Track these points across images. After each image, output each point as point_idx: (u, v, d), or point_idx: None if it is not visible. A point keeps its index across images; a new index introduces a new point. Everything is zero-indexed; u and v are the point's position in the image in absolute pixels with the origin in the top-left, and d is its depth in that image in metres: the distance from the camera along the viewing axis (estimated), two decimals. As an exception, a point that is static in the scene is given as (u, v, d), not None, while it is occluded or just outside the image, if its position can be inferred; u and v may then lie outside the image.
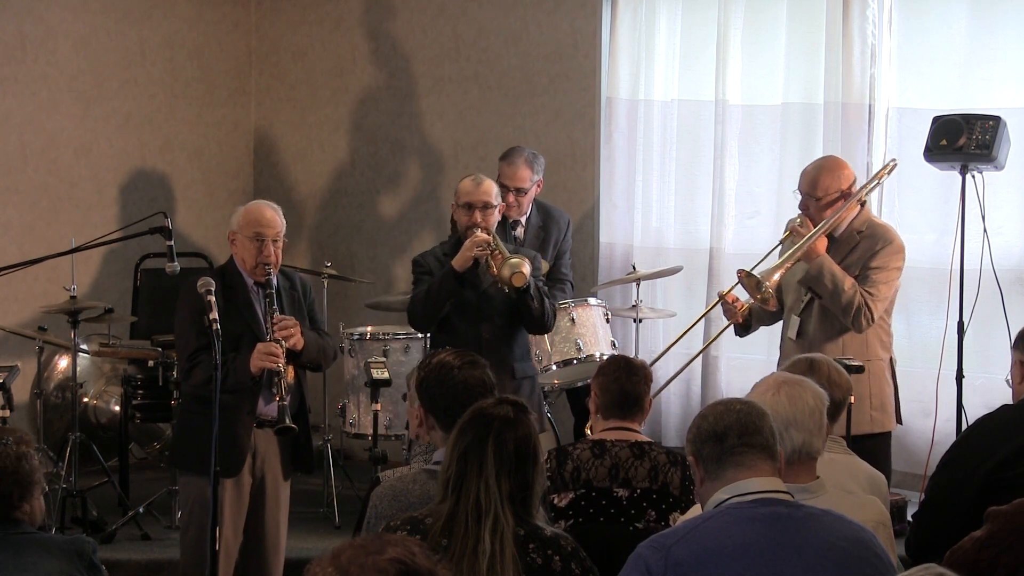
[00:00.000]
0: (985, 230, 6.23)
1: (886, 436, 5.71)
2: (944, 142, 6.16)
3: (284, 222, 5.26)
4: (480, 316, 5.72)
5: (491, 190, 5.75)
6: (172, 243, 5.41)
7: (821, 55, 7.03)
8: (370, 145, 8.51)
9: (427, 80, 8.30)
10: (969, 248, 6.19)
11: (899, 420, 5.88)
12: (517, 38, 8.02)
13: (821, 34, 7.02)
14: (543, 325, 5.79)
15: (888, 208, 6.92)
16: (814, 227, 5.69)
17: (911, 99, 6.92)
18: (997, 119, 6.12)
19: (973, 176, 6.19)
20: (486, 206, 5.71)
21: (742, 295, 5.93)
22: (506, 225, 6.93)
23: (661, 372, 7.10)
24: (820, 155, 6.98)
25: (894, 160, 6.18)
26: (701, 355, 7.31)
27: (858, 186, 5.81)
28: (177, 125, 8.44)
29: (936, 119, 6.26)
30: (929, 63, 6.90)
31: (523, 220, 6.98)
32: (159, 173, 8.35)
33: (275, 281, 5.16)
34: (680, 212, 7.52)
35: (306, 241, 8.69)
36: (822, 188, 5.71)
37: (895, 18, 6.92)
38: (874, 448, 5.39)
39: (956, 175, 6.24)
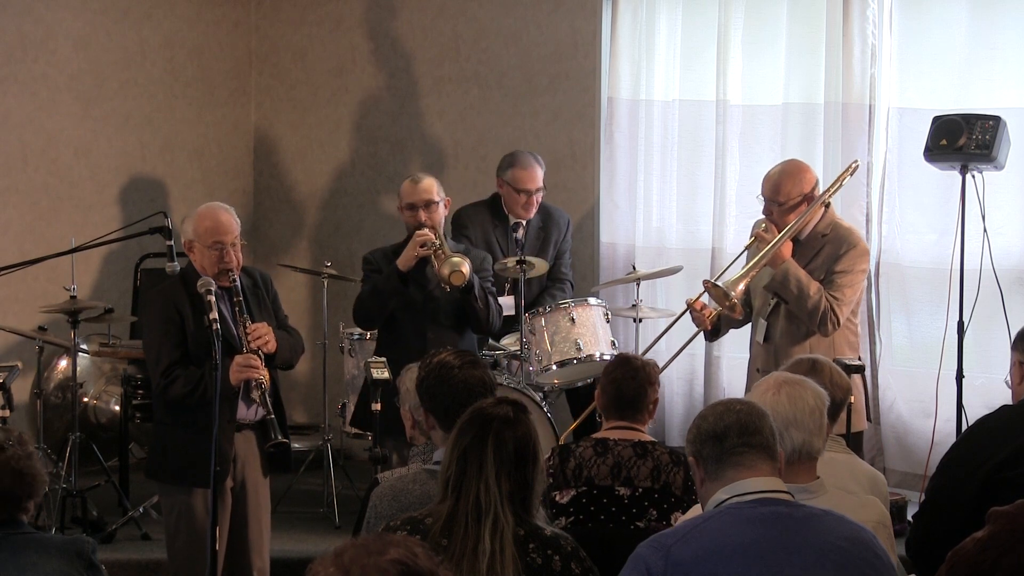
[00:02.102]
0: (985, 230, 6.24)
1: (857, 436, 5.71)
2: (944, 142, 6.16)
3: (239, 222, 5.13)
4: (426, 317, 5.75)
5: (431, 188, 5.81)
6: (172, 243, 5.39)
7: (821, 55, 7.04)
8: (370, 145, 8.50)
9: (427, 80, 8.29)
10: (969, 248, 6.19)
11: (869, 418, 5.89)
12: (517, 38, 8.01)
13: (821, 34, 7.03)
14: (487, 326, 5.84)
15: (888, 208, 6.93)
16: (778, 232, 5.69)
17: (911, 99, 6.92)
18: (997, 119, 6.13)
19: (973, 176, 6.20)
20: (428, 203, 5.77)
21: (713, 303, 5.93)
22: (508, 226, 6.94)
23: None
24: (821, 155, 7.00)
25: (856, 162, 6.18)
26: (700, 355, 7.35)
27: (821, 188, 5.81)
28: (177, 125, 8.43)
29: (936, 119, 6.26)
30: (929, 63, 6.90)
31: (523, 221, 6.98)
32: (159, 173, 8.34)
33: (239, 284, 5.07)
34: (681, 212, 7.53)
35: (306, 241, 8.69)
36: (784, 193, 5.72)
37: (895, 18, 6.92)
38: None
39: (956, 175, 6.25)
